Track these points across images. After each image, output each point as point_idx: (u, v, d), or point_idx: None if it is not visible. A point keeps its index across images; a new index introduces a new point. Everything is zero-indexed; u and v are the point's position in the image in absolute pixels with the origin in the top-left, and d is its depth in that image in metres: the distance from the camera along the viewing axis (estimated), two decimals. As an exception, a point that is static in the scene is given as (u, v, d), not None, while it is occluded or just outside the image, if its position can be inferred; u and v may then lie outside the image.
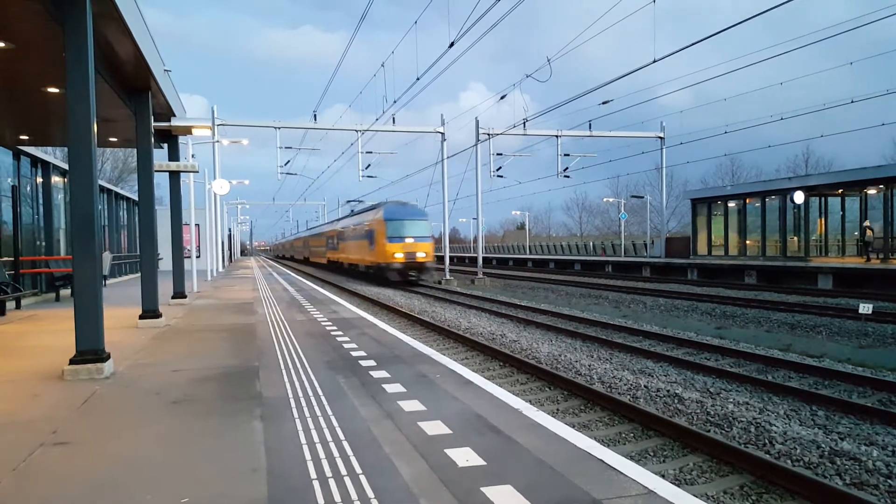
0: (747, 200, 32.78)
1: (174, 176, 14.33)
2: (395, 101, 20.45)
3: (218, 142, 26.31)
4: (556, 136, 33.14)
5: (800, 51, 7.28)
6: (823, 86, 44.02)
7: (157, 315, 10.42)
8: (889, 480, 5.04)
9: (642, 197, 54.99)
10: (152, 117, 10.92)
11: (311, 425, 4.62)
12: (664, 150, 35.59)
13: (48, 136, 15.28)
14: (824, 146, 58.30)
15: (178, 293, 14.17)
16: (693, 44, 10.43)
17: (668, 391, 7.85)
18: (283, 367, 6.82)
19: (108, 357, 6.55)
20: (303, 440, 4.28)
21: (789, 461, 5.50)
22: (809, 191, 28.80)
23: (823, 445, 5.77)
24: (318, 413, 4.96)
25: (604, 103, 16.78)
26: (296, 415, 4.90)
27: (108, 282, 18.75)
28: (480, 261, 33.17)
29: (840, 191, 29.98)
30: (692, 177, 68.77)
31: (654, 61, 12.00)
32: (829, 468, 5.33)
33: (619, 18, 12.40)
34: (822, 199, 30.27)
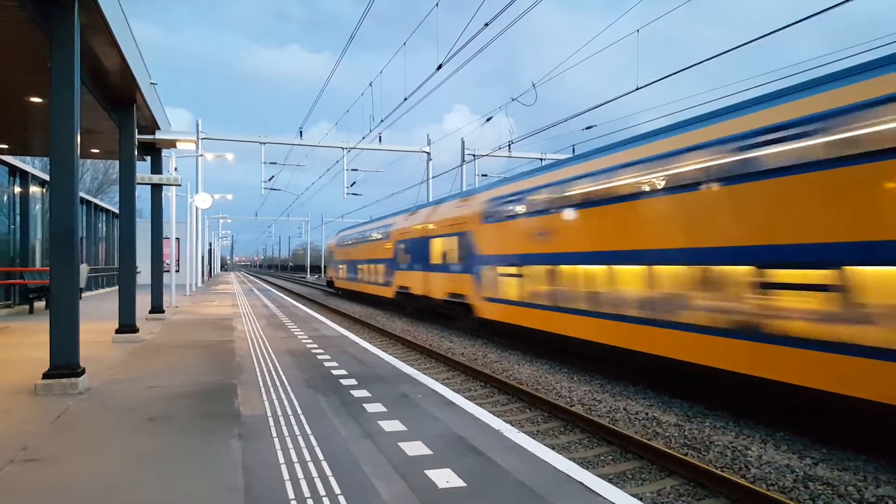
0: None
1: (156, 189, 14.24)
2: (381, 121, 20.51)
3: (202, 156, 26.15)
4: (541, 160, 33.51)
5: (772, 84, 7.62)
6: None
7: (134, 330, 10.26)
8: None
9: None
10: (136, 130, 10.87)
11: (290, 445, 4.57)
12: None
13: (28, 146, 15.09)
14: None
15: (156, 308, 13.98)
16: (674, 73, 10.69)
17: (646, 414, 7.89)
18: (262, 384, 6.75)
19: (83, 372, 6.43)
20: (281, 460, 4.23)
21: (764, 485, 5.56)
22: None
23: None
24: (298, 432, 4.91)
25: (587, 128, 17.07)
26: (274, 434, 4.85)
27: (84, 294, 18.40)
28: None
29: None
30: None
31: (637, 88, 12.24)
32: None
33: (602, 47, 12.70)
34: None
